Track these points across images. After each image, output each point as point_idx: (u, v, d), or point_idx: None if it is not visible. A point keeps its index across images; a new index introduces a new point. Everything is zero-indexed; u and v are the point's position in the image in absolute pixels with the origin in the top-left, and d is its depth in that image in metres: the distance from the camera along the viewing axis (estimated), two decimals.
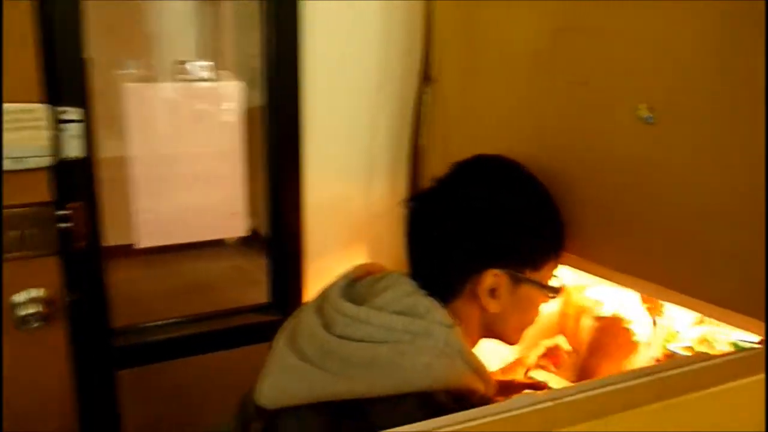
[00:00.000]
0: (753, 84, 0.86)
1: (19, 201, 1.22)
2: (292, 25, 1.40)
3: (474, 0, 1.31)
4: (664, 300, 1.04)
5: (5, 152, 1.17)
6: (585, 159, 1.10)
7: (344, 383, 0.89)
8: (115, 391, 1.41)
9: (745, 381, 0.77)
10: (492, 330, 1.07)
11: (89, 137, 1.27)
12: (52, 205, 1.25)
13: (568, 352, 1.41)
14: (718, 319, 0.97)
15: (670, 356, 1.35)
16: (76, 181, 1.27)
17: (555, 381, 1.37)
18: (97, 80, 1.28)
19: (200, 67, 1.59)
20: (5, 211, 1.20)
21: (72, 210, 1.27)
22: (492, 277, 1.00)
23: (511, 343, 1.15)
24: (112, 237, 1.38)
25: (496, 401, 0.91)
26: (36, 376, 1.31)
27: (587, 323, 1.43)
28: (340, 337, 0.94)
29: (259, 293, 1.62)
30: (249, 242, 1.77)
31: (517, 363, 1.40)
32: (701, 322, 1.41)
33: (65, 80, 1.22)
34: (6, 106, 1.16)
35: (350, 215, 1.60)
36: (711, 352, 1.31)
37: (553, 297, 1.08)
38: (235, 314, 1.56)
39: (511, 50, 1.24)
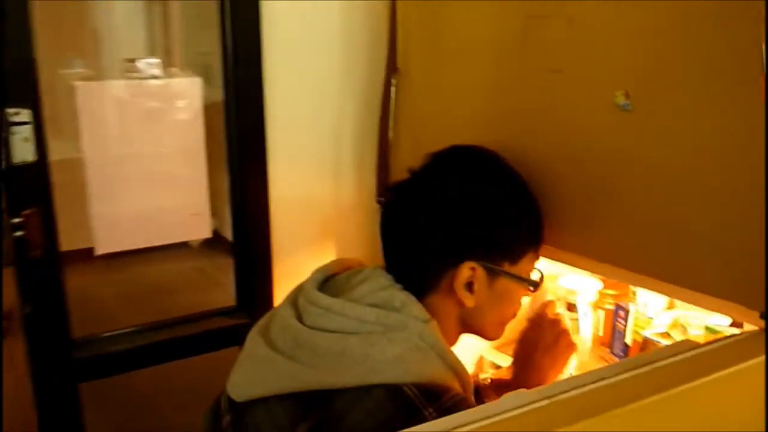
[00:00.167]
0: (731, 69, 0.86)
1: None
2: (253, 20, 1.35)
3: None
4: (644, 288, 1.03)
5: None
6: (561, 148, 1.08)
7: (312, 373, 0.87)
8: (78, 405, 1.36)
9: (740, 367, 0.76)
10: (470, 325, 1.04)
11: (40, 140, 1.21)
12: (4, 213, 1.20)
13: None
14: (698, 304, 0.97)
15: (645, 343, 1.35)
16: (29, 186, 1.22)
17: None
18: (41, 80, 1.22)
19: (150, 64, 1.53)
20: None
21: (25, 217, 1.21)
22: (468, 270, 0.97)
23: (490, 339, 1.13)
24: (69, 242, 1.32)
25: (473, 403, 0.89)
26: None
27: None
28: (312, 327, 0.92)
29: (221, 295, 1.58)
30: (211, 243, 1.72)
31: None
32: (671, 306, 1.42)
33: (14, 80, 1.16)
34: None
35: (317, 212, 1.57)
36: (685, 336, 1.32)
37: (534, 290, 1.06)
38: (200, 319, 1.52)
39: (481, 39, 1.21)
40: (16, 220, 1.21)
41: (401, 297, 0.94)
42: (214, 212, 1.55)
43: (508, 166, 1.05)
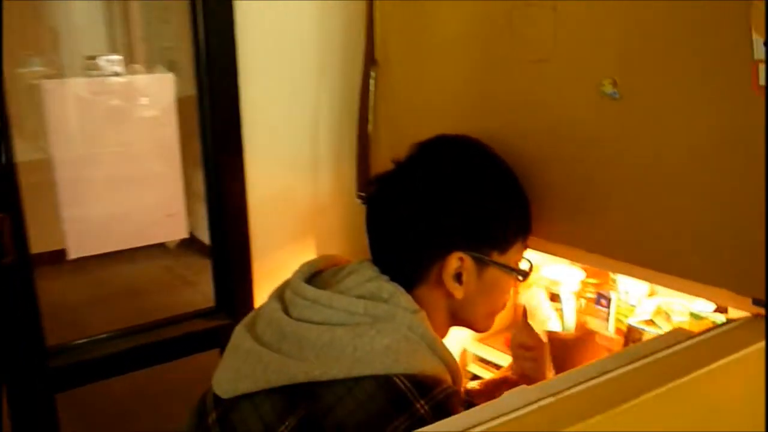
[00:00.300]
0: (721, 56, 0.85)
1: None
2: (226, 12, 1.31)
3: None
4: (634, 277, 1.03)
5: None
6: (547, 138, 1.07)
7: (299, 366, 0.85)
8: (55, 416, 1.31)
9: (740, 354, 0.76)
10: (460, 317, 1.03)
11: (6, 141, 1.15)
12: None
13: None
14: (689, 292, 0.97)
15: (630, 330, 1.36)
16: None
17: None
18: None
19: (111, 61, 1.48)
20: None
21: None
22: (457, 261, 0.96)
23: (480, 330, 1.12)
24: (40, 244, 1.27)
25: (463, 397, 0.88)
26: None
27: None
28: (299, 319, 0.91)
29: (194, 296, 1.54)
30: (180, 243, 1.67)
31: None
32: (653, 293, 1.43)
33: None
34: None
35: (296, 208, 1.54)
36: (668, 323, 1.33)
37: (523, 280, 1.06)
38: (179, 321, 1.48)
39: (463, 28, 1.19)
40: None
41: (389, 288, 0.93)
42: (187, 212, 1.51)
43: (494, 155, 1.04)
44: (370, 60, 1.36)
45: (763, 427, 0.81)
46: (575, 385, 0.69)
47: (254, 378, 0.88)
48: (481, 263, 0.98)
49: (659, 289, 1.40)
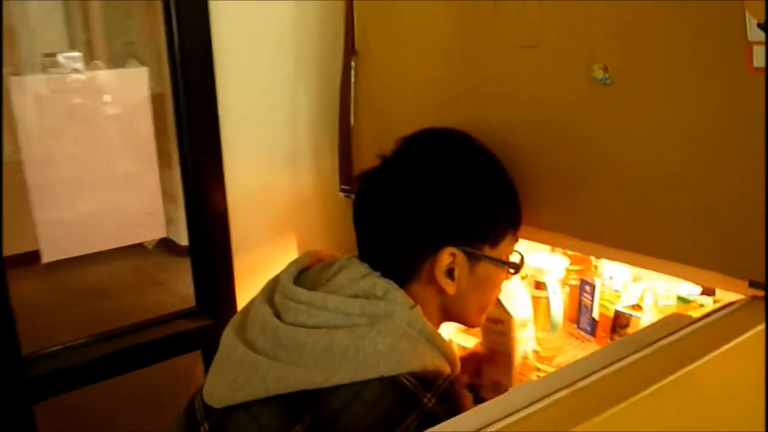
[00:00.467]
0: (714, 38, 0.85)
1: None
2: (201, 6, 1.27)
3: None
4: (629, 264, 1.03)
5: None
6: (537, 126, 1.06)
7: (300, 373, 0.83)
8: (34, 428, 1.26)
9: (743, 338, 0.76)
10: (451, 312, 1.02)
11: None
12: None
13: None
14: (684, 277, 0.97)
15: (617, 316, 1.36)
16: None
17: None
18: None
19: (70, 58, 1.42)
20: None
21: None
22: (448, 256, 0.95)
23: (471, 325, 1.13)
24: (11, 245, 1.22)
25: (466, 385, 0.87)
26: None
27: None
28: (293, 324, 0.88)
29: (166, 296, 1.50)
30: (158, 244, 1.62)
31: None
32: (636, 279, 1.44)
33: None
34: None
35: (276, 204, 1.51)
36: (654, 307, 1.33)
37: (514, 273, 1.04)
38: (159, 323, 1.43)
39: (447, 15, 1.17)
40: None
41: (383, 285, 0.92)
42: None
43: (482, 148, 1.03)
44: (350, 51, 1.34)
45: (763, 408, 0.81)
46: (587, 376, 0.68)
47: (252, 388, 0.85)
48: (473, 258, 0.97)
49: (644, 274, 1.40)
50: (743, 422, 0.79)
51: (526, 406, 0.61)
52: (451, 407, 0.81)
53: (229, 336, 0.94)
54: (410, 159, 1.00)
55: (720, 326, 0.81)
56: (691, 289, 1.28)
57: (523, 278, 1.43)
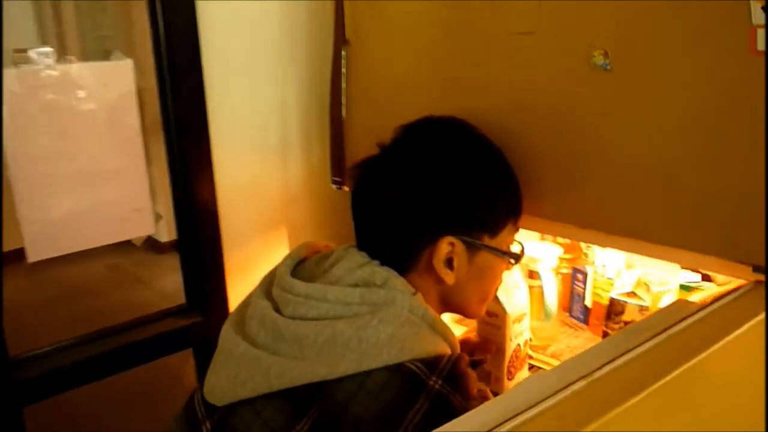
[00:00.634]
0: (717, 21, 0.84)
1: None
2: None
3: None
4: (630, 251, 1.02)
5: None
6: (535, 113, 1.05)
7: (303, 367, 0.82)
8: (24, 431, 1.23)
9: (753, 322, 0.76)
10: (451, 303, 1.01)
11: None
12: None
13: None
14: (685, 263, 0.97)
15: (612, 304, 1.36)
16: None
17: None
18: None
19: (42, 53, 1.38)
20: None
21: None
22: (447, 246, 0.94)
23: (472, 316, 1.11)
24: None
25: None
26: None
27: None
28: (293, 317, 0.87)
29: (148, 293, 1.47)
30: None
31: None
32: (629, 266, 1.44)
33: None
34: None
35: (266, 198, 1.49)
36: (648, 294, 1.33)
37: (515, 263, 1.03)
38: (149, 322, 1.41)
39: (441, 4, 1.15)
40: None
41: (382, 273, 0.90)
42: None
43: (482, 136, 1.02)
44: (340, 39, 1.31)
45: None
46: (603, 366, 0.67)
47: (254, 384, 0.84)
48: (472, 248, 0.96)
49: (637, 261, 1.41)
50: (756, 405, 0.78)
51: (545, 399, 0.60)
52: (457, 387, 0.80)
53: (228, 332, 0.93)
54: (409, 147, 0.99)
55: (726, 312, 0.80)
56: (690, 277, 1.29)
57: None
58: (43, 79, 1.26)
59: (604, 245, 1.13)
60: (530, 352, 1.36)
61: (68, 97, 1.25)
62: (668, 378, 0.64)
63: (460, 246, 0.94)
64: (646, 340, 0.74)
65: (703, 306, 0.83)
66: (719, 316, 0.80)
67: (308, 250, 1.03)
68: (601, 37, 0.94)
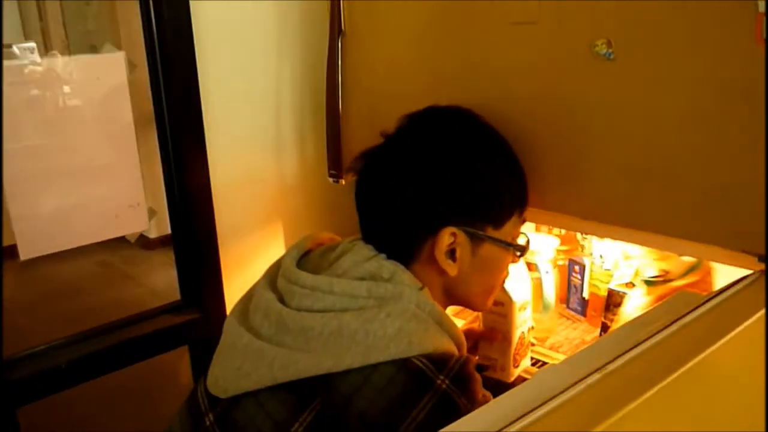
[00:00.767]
0: (721, 9, 0.83)
1: None
2: None
3: None
4: (634, 243, 1.02)
5: None
6: (536, 104, 1.04)
7: (308, 359, 0.81)
8: None
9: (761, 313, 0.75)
10: (455, 295, 1.01)
11: None
12: None
13: None
14: (692, 254, 0.96)
15: (611, 295, 1.35)
16: None
17: None
18: None
19: (25, 49, 1.35)
20: None
21: None
22: (449, 236, 0.93)
23: (477, 309, 1.12)
24: None
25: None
26: None
27: None
28: (298, 309, 0.87)
29: (138, 289, 1.45)
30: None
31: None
32: (627, 257, 1.43)
33: None
34: None
35: (262, 192, 1.47)
36: (646, 285, 1.33)
37: (521, 256, 1.03)
38: (144, 319, 1.39)
39: None
40: None
41: (389, 267, 0.90)
42: None
43: (487, 125, 1.01)
44: (336, 30, 1.29)
45: None
46: (615, 359, 0.66)
47: (258, 375, 0.83)
48: (476, 239, 0.95)
49: (635, 252, 1.40)
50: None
51: (560, 393, 0.59)
52: (464, 389, 0.80)
53: (232, 324, 0.92)
54: (413, 135, 0.98)
55: (733, 304, 0.80)
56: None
57: None
58: (29, 75, 1.23)
59: (606, 236, 1.13)
60: (532, 340, 1.36)
61: (59, 91, 1.23)
62: (682, 370, 0.63)
63: (462, 236, 0.94)
64: (656, 332, 0.73)
65: (709, 297, 0.83)
66: (726, 308, 0.79)
67: (312, 242, 1.02)
68: (604, 26, 0.93)
